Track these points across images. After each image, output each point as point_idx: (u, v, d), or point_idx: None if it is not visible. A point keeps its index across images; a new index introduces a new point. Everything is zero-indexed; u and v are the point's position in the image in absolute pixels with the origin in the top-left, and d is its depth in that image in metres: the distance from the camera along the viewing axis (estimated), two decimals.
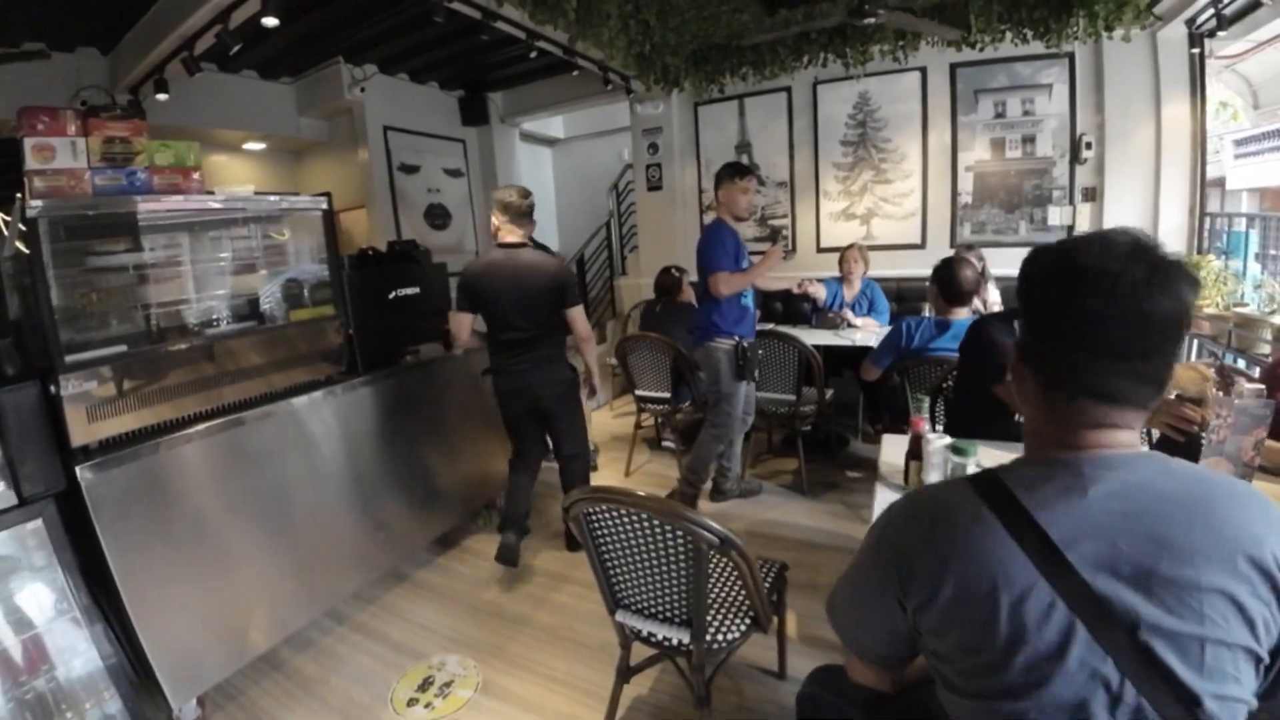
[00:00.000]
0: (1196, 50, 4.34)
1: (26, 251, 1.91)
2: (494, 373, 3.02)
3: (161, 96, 4.16)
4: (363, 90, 5.51)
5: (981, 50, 4.62)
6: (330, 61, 5.46)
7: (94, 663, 2.10)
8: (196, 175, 2.23)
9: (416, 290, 3.16)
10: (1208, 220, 4.67)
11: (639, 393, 4.23)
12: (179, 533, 2.19)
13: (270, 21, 3.54)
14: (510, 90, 6.72)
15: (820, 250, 5.75)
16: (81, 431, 1.96)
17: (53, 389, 1.91)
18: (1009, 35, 4.46)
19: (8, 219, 2.17)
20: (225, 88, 5.28)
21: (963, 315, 3.11)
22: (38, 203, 1.85)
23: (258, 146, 6.11)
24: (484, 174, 6.91)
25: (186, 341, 2.27)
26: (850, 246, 4.73)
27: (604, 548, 1.80)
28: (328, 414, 2.70)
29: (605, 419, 5.66)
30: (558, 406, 3.03)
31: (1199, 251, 4.45)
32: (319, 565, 2.67)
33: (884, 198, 5.50)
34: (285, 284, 2.69)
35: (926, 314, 3.80)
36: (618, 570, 1.83)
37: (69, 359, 1.91)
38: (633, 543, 1.72)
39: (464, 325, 2.93)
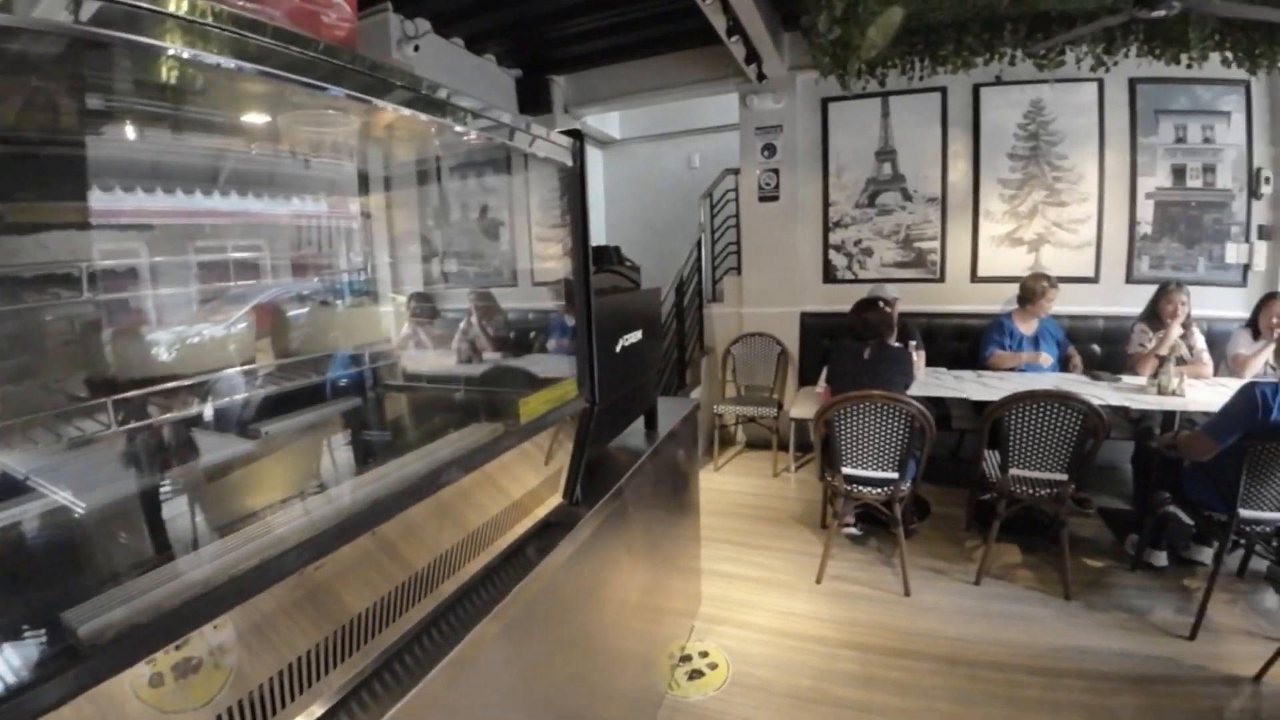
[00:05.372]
0: None
1: None
2: None
3: None
4: (416, 49, 4.27)
5: (1189, 66, 3.91)
6: (378, 8, 4.20)
7: None
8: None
9: (640, 336, 1.96)
10: None
11: (849, 471, 3.11)
12: None
13: None
14: (579, 73, 5.55)
15: (976, 280, 4.78)
16: None
17: None
18: (1216, 56, 3.90)
19: None
20: None
21: None
22: None
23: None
24: None
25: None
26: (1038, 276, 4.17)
27: None
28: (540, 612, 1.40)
29: (770, 491, 4.52)
30: None
31: None
32: None
33: (1057, 222, 4.61)
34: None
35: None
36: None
37: None
38: None
39: None
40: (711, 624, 2.83)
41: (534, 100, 5.51)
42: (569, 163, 1.34)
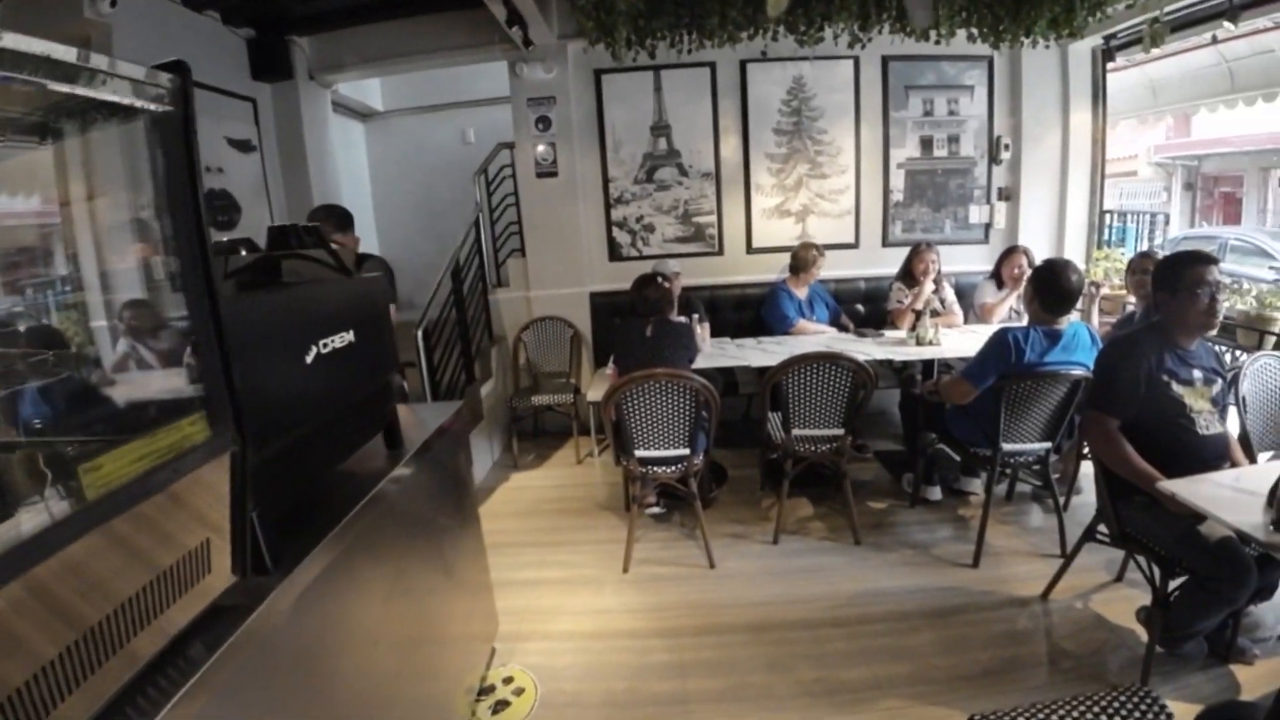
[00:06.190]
0: (1108, 64, 4.78)
1: None
2: None
3: None
4: (114, 4, 3.38)
5: (938, 43, 4.20)
6: None
7: None
8: None
9: (352, 337, 1.57)
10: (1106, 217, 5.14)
11: (641, 454, 2.98)
12: None
13: None
14: (325, 35, 4.82)
15: (752, 251, 4.94)
16: None
17: None
18: (962, 33, 4.19)
19: None
20: None
21: (1065, 324, 2.80)
22: None
23: None
24: (284, 149, 4.87)
25: None
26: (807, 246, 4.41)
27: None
28: None
29: (574, 480, 4.30)
30: None
31: (1098, 245, 4.97)
32: None
33: (820, 194, 4.90)
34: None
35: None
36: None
37: None
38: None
39: None
40: (515, 643, 2.55)
41: (271, 65, 4.71)
42: (168, 108, 0.93)
